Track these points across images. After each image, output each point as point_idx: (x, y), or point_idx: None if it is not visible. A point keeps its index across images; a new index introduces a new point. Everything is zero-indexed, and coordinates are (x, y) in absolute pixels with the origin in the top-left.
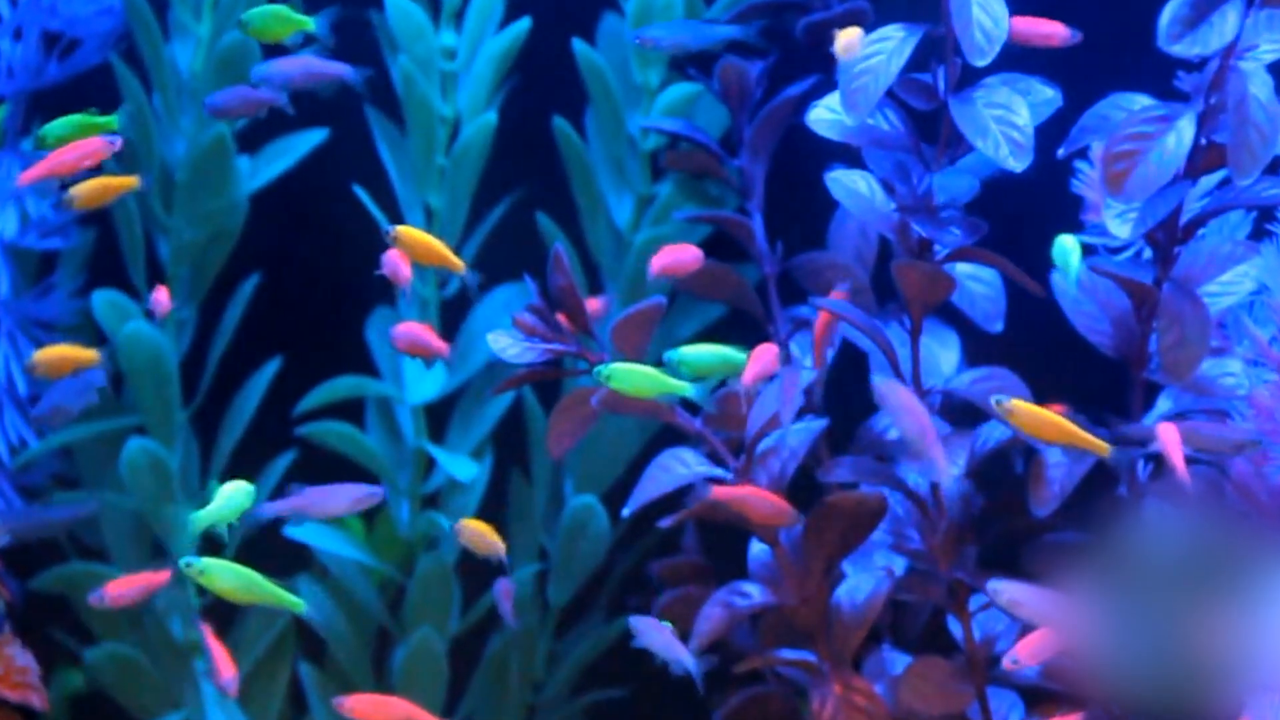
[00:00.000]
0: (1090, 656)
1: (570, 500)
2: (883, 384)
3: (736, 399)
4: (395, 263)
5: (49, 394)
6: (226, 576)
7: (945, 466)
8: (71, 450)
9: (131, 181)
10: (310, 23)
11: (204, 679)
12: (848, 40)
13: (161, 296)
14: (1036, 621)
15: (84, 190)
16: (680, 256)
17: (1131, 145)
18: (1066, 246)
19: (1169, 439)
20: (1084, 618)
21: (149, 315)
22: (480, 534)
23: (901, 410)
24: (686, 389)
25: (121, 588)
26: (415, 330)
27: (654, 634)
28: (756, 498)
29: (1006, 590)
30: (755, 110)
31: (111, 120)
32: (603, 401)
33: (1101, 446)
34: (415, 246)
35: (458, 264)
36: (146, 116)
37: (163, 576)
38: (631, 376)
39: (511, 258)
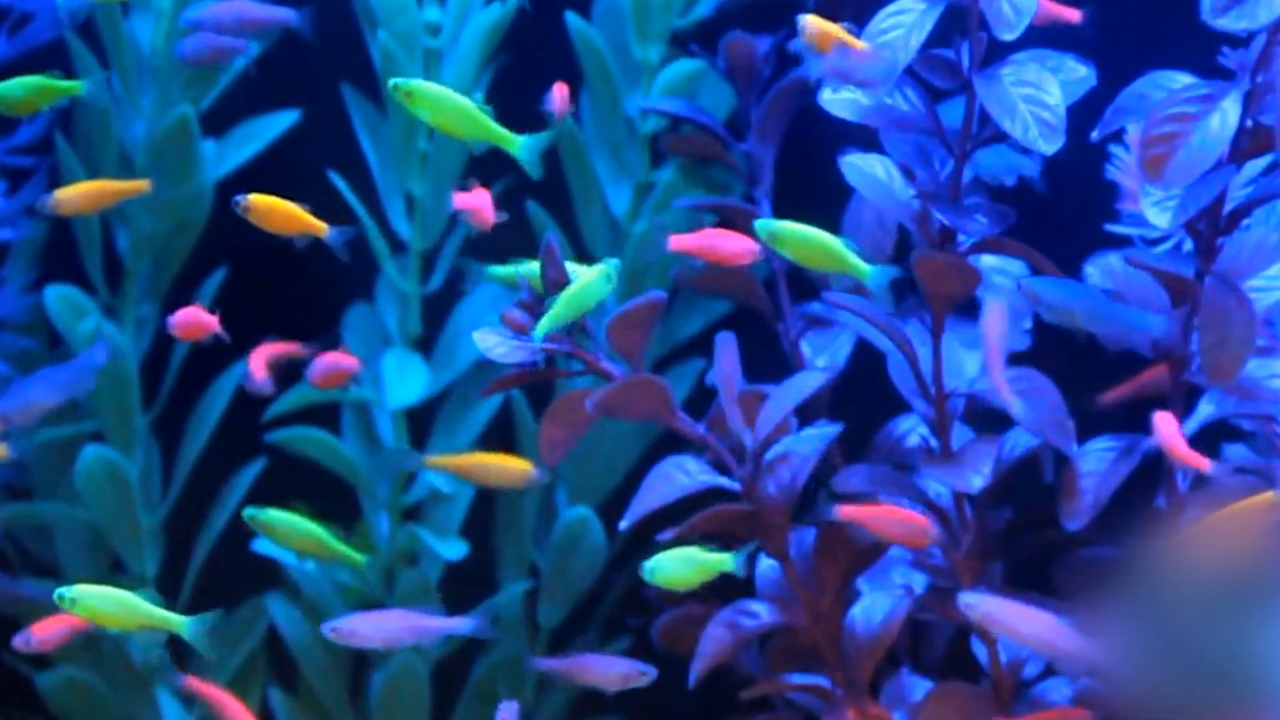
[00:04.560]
0: (1127, 681)
1: (563, 512)
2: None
3: (744, 402)
4: (477, 208)
5: (22, 386)
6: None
7: (1007, 391)
8: (24, 458)
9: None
10: (79, 86)
11: (165, 706)
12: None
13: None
14: (1018, 640)
15: (70, 196)
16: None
17: (1171, 127)
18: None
19: (1166, 430)
20: (1109, 639)
21: (107, 312)
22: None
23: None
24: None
25: (49, 629)
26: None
27: None
28: (889, 517)
29: (981, 604)
30: (764, 90)
31: (76, 85)
32: (599, 405)
33: None
34: (270, 216)
35: (320, 227)
36: (104, 96)
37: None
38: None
39: (500, 250)
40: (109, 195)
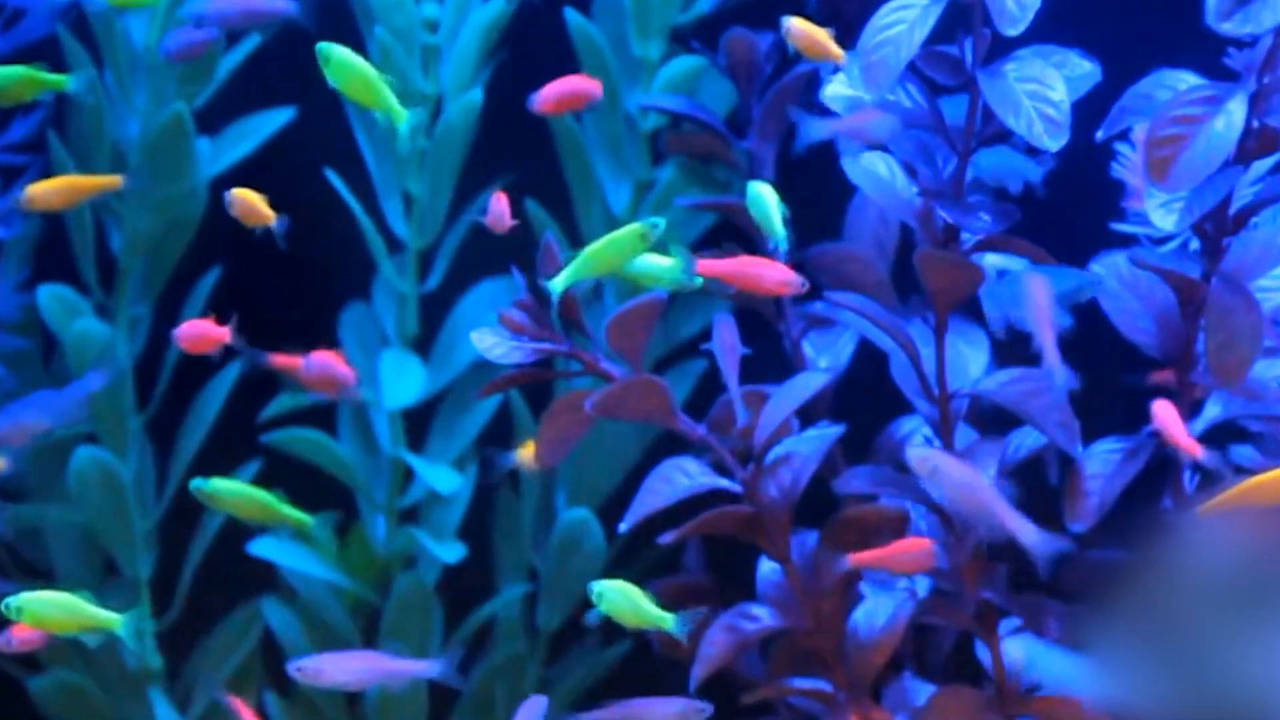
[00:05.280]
0: (1132, 687)
1: (562, 514)
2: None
3: (745, 402)
4: (499, 211)
5: (14, 407)
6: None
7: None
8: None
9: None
10: (65, 81)
11: (159, 708)
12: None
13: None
14: (954, 496)
15: (43, 191)
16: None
17: (1177, 129)
18: (761, 194)
19: (1165, 417)
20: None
21: (100, 312)
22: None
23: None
24: (668, 621)
25: (27, 629)
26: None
27: None
28: (898, 554)
29: (932, 458)
30: (765, 87)
31: (63, 79)
32: (598, 406)
33: None
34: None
35: (269, 216)
36: (98, 93)
37: None
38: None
39: (498, 249)
40: (83, 191)
